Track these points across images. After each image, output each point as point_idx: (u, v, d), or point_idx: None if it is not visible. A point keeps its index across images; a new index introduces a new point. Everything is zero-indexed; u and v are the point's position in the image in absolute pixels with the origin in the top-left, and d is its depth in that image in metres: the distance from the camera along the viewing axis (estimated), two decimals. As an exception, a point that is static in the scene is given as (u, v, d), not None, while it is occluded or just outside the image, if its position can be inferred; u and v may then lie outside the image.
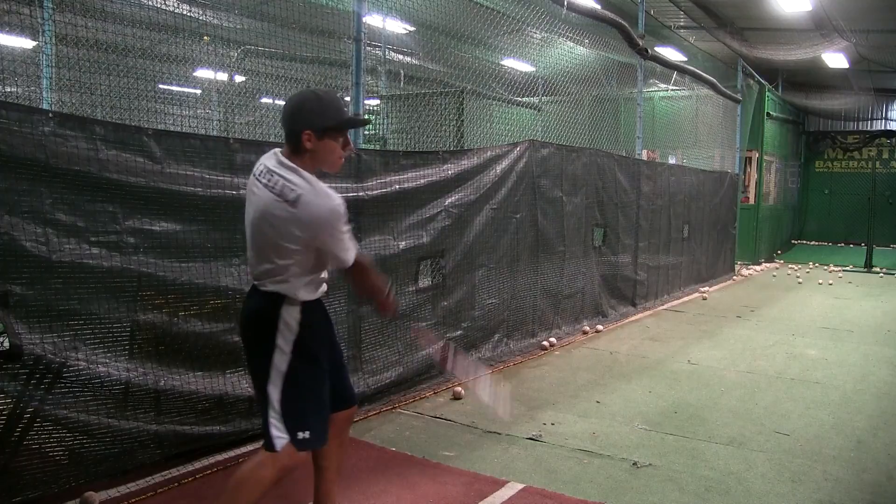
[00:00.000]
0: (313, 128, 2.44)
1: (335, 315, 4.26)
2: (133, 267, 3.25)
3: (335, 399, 2.70)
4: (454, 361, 3.21)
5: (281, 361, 2.48)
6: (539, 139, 6.46)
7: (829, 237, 17.30)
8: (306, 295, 2.53)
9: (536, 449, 3.95)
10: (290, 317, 2.50)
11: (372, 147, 5.40)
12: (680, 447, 4.01)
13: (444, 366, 3.11)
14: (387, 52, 7.40)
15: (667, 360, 6.05)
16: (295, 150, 2.48)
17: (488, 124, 6.35)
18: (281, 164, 2.47)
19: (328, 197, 2.42)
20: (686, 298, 9.60)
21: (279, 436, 2.46)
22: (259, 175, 2.50)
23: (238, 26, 5.06)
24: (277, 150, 2.56)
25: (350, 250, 2.47)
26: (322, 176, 2.55)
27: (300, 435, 2.49)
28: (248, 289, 3.64)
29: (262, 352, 2.51)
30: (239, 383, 3.71)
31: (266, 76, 6.42)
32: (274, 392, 2.48)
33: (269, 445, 2.48)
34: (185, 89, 5.50)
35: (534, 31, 6.59)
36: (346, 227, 2.45)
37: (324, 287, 2.63)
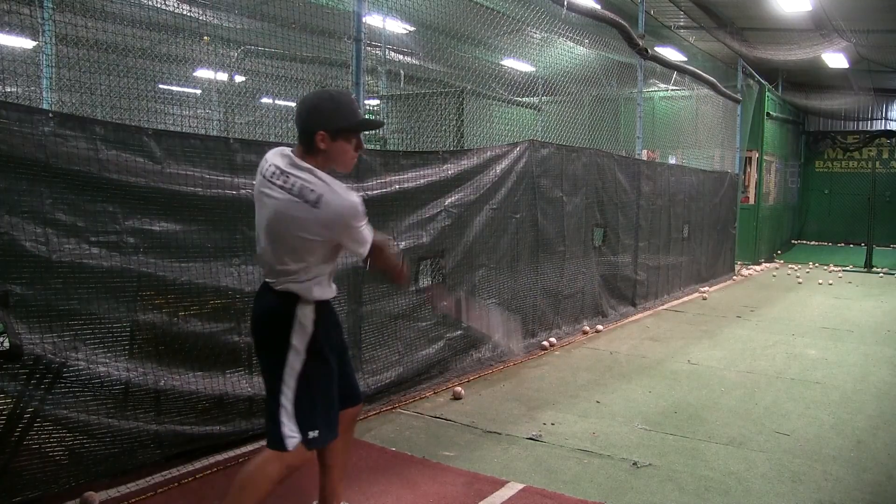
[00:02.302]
0: (327, 129, 2.45)
1: (335, 315, 4.27)
2: (133, 267, 3.25)
3: (341, 397, 2.72)
4: (468, 311, 3.20)
5: (295, 361, 2.51)
6: (539, 139, 6.46)
7: (829, 237, 17.30)
8: (320, 294, 2.56)
9: (536, 449, 3.95)
10: (305, 316, 2.53)
11: (372, 147, 5.39)
12: (680, 447, 4.01)
13: (458, 317, 3.13)
14: (387, 52, 7.40)
15: (667, 360, 6.05)
16: (308, 149, 2.48)
17: (488, 124, 6.35)
18: (294, 164, 2.46)
19: (348, 194, 2.46)
20: (686, 298, 9.60)
21: (291, 435, 2.48)
22: (271, 177, 2.48)
23: (238, 26, 5.06)
24: (287, 149, 2.54)
25: (367, 243, 2.52)
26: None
27: (310, 434, 2.52)
28: (248, 289, 3.67)
29: (276, 351, 2.52)
30: (239, 383, 3.71)
31: (266, 76, 6.42)
32: (287, 391, 2.50)
33: (280, 444, 2.49)
34: (185, 89, 5.50)
35: (534, 31, 6.59)
36: (364, 222, 2.49)
37: (334, 287, 2.66)
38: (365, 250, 2.52)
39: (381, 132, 6.39)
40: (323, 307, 2.60)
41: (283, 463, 2.50)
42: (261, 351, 2.64)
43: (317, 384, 2.55)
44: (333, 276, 2.67)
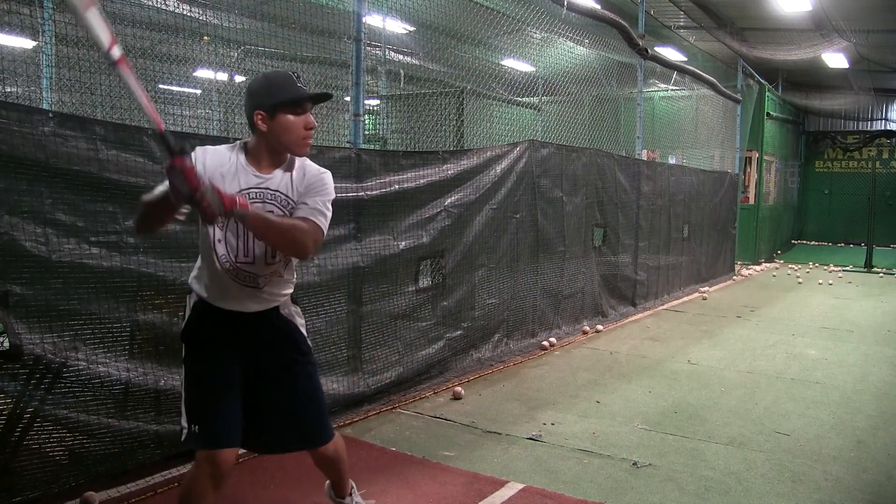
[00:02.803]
0: (263, 107, 2.34)
1: (335, 315, 4.27)
2: (133, 267, 3.25)
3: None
4: None
5: (185, 355, 2.49)
6: (539, 139, 6.46)
7: (829, 237, 17.30)
8: (198, 285, 2.51)
9: (536, 449, 3.95)
10: (186, 308, 2.55)
11: (372, 147, 5.39)
12: (680, 447, 4.01)
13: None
14: (387, 52, 7.40)
15: (667, 360, 6.05)
16: (253, 133, 2.40)
17: (488, 124, 6.35)
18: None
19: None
20: (686, 298, 9.60)
21: (182, 426, 2.42)
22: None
23: (238, 26, 5.06)
24: (237, 144, 2.45)
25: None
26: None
27: (193, 428, 2.45)
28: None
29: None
30: (239, 383, 3.70)
31: (266, 76, 6.39)
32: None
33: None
34: (186, 89, 5.50)
35: (534, 31, 6.59)
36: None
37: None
38: None
39: (380, 132, 6.40)
40: None
41: (199, 461, 2.39)
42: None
43: (204, 384, 2.49)
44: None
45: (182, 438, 2.40)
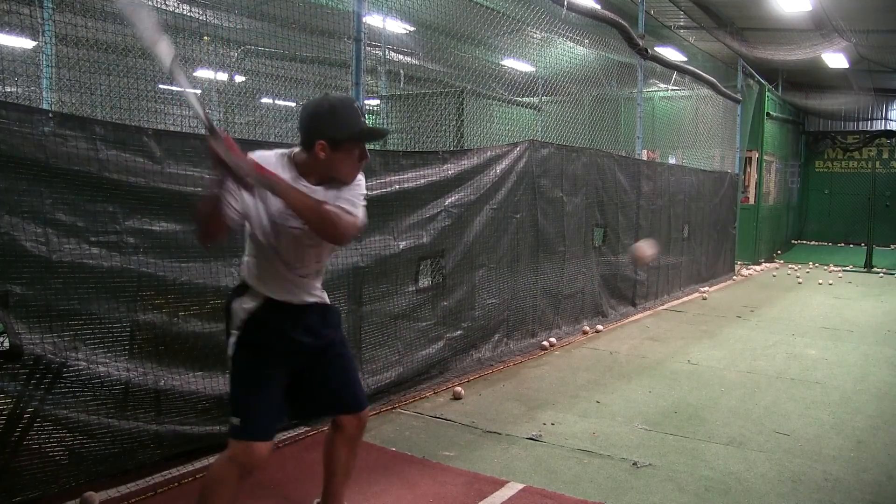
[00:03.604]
0: (327, 138, 2.39)
1: (335, 315, 4.27)
2: (133, 267, 3.25)
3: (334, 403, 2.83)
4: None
5: (234, 352, 2.58)
6: (539, 139, 6.46)
7: (829, 237, 17.30)
8: (254, 281, 2.61)
9: (536, 449, 3.95)
10: (240, 311, 2.61)
11: (372, 147, 5.38)
12: (680, 447, 4.01)
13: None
14: (387, 52, 7.40)
15: (667, 360, 6.05)
16: (309, 157, 2.44)
17: (488, 124, 6.35)
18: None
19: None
20: (686, 298, 9.60)
21: (235, 423, 2.53)
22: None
23: (238, 26, 5.06)
24: (286, 153, 2.49)
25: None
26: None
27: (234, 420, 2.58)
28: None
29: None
30: (239, 383, 3.70)
31: (266, 76, 6.42)
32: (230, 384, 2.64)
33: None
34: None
35: (534, 31, 6.59)
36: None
37: None
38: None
39: (381, 132, 6.39)
40: None
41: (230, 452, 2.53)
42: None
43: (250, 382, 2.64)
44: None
45: (232, 434, 2.51)
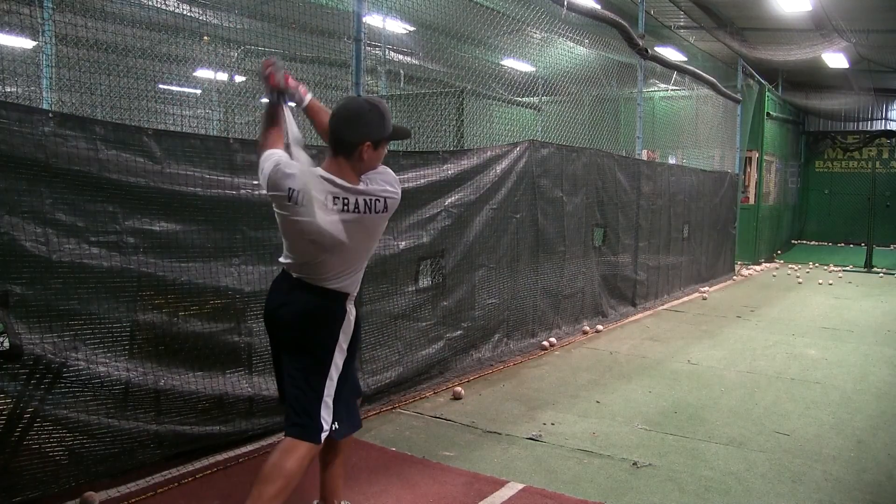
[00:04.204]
0: (373, 139, 2.51)
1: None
2: (133, 267, 3.25)
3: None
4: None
5: (339, 358, 2.62)
6: (539, 139, 6.46)
7: (829, 237, 17.30)
8: (356, 290, 2.69)
9: (536, 449, 3.95)
10: (352, 314, 2.66)
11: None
12: (680, 447, 4.01)
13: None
14: (387, 52, 7.40)
15: (667, 360, 6.05)
16: (349, 158, 2.52)
17: (488, 124, 6.35)
18: (345, 185, 2.52)
19: (387, 176, 2.63)
20: (686, 298, 9.60)
21: (325, 428, 2.58)
22: (332, 200, 2.51)
23: (238, 26, 5.06)
24: (318, 174, 2.54)
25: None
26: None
27: (335, 426, 2.63)
28: (247, 289, 3.67)
29: (323, 348, 2.59)
30: (239, 383, 3.71)
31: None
32: (330, 386, 2.60)
33: (316, 436, 2.57)
34: (185, 89, 5.50)
35: (534, 31, 6.59)
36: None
37: None
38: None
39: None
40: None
41: (310, 454, 2.58)
42: (303, 348, 2.63)
43: (344, 379, 2.66)
44: None
45: (322, 439, 2.58)
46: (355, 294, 2.68)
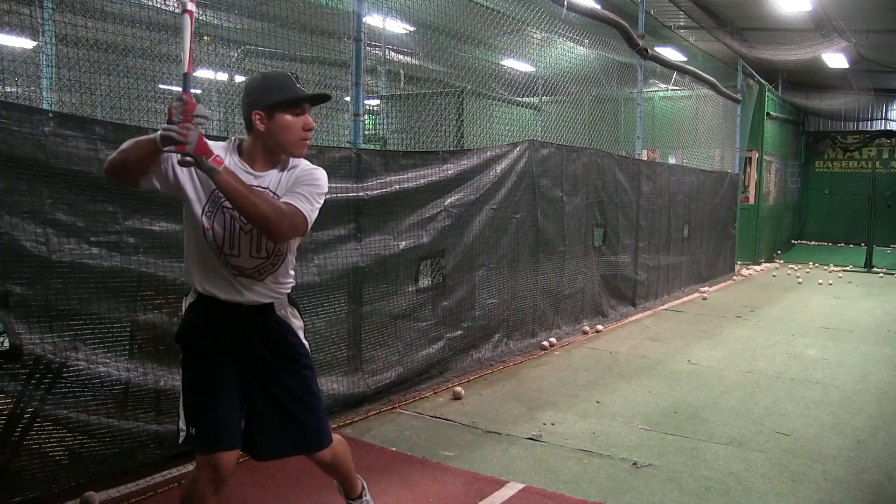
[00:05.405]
0: (261, 107, 2.33)
1: (335, 315, 4.28)
2: (133, 267, 3.25)
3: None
4: None
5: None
6: (539, 139, 6.46)
7: (829, 237, 17.30)
8: (193, 288, 2.45)
9: (536, 449, 3.95)
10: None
11: (372, 147, 5.39)
12: (680, 447, 4.01)
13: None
14: (387, 52, 7.40)
15: (667, 360, 6.05)
16: (251, 133, 2.38)
17: (488, 124, 6.35)
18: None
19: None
20: (686, 298, 9.60)
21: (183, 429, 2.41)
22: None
23: (238, 26, 5.06)
24: (233, 139, 2.42)
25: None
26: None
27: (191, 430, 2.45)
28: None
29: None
30: (239, 383, 3.70)
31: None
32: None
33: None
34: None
35: (534, 31, 6.59)
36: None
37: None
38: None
39: (380, 132, 6.39)
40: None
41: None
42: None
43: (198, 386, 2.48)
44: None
45: (179, 440, 2.39)
46: (190, 279, 2.42)
